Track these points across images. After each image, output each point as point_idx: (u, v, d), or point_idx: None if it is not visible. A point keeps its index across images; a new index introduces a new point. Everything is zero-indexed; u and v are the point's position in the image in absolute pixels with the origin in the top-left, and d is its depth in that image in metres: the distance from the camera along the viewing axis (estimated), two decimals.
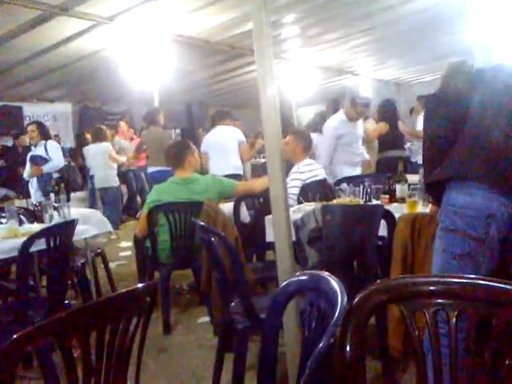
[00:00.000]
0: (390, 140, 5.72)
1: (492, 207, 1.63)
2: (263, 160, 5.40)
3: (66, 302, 2.98)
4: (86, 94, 9.69)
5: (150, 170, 6.60)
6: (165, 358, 3.08)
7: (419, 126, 6.16)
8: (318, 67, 8.90)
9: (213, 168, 5.39)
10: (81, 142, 8.33)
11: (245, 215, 3.90)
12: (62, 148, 7.56)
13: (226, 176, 4.72)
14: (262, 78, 1.99)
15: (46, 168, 5.73)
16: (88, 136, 8.11)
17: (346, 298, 1.02)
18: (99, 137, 7.39)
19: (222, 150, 5.40)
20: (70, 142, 10.12)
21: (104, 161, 7.26)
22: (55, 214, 3.74)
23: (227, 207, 3.70)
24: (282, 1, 5.32)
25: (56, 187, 4.52)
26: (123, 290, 1.32)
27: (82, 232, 3.44)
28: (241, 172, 5.56)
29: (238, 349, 2.23)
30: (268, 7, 1.99)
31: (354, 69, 9.93)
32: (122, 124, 8.66)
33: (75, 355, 1.19)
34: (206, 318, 3.54)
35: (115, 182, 7.50)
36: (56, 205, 3.86)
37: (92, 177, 7.55)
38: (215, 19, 5.70)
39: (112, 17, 5.27)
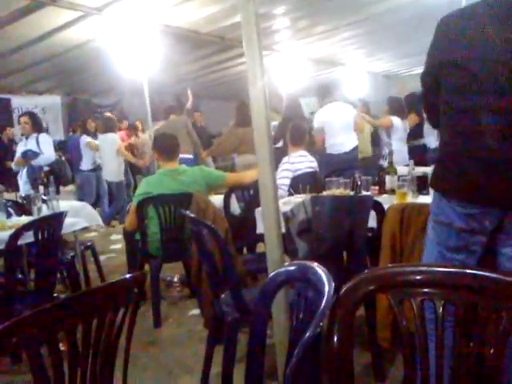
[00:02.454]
0: (419, 129, 6.13)
1: (485, 207, 1.63)
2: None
3: (55, 295, 2.97)
4: (76, 86, 9.58)
5: None
6: (155, 350, 3.08)
7: None
8: (308, 59, 8.88)
9: (334, 145, 5.47)
10: (77, 132, 8.05)
11: (235, 207, 3.89)
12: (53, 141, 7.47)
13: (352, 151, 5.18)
14: (251, 69, 1.98)
15: (35, 161, 5.67)
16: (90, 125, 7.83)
17: (332, 288, 1.02)
18: (107, 127, 7.14)
19: (342, 126, 5.48)
20: (59, 135, 10.02)
21: (111, 153, 7.03)
22: (44, 206, 3.72)
23: (217, 199, 3.69)
24: None
25: (45, 179, 4.48)
26: (110, 281, 1.31)
27: (71, 225, 3.42)
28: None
29: (227, 340, 2.23)
30: None
31: (345, 61, 9.92)
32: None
33: (62, 348, 1.18)
34: (197, 311, 3.54)
35: (121, 176, 7.26)
36: (45, 197, 3.83)
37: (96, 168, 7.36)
38: (204, 10, 5.66)
39: (101, 7, 5.21)
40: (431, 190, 2.97)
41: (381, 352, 2.42)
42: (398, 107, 5.96)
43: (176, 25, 6.07)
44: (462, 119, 1.65)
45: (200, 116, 9.37)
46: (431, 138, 6.92)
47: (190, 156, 6.33)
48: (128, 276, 1.34)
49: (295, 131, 4.23)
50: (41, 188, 4.21)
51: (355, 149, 5.59)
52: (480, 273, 0.96)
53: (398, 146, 5.70)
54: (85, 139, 7.36)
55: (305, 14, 6.42)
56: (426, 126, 7.17)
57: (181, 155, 6.07)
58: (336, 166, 4.96)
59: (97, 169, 7.35)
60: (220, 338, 2.49)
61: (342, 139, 5.47)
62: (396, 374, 2.45)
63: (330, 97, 5.66)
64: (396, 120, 5.79)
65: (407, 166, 4.77)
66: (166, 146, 3.74)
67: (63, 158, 7.43)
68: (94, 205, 6.99)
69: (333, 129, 5.50)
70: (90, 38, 6.19)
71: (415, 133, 6.15)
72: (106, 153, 7.10)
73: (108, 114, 7.84)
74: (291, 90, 7.31)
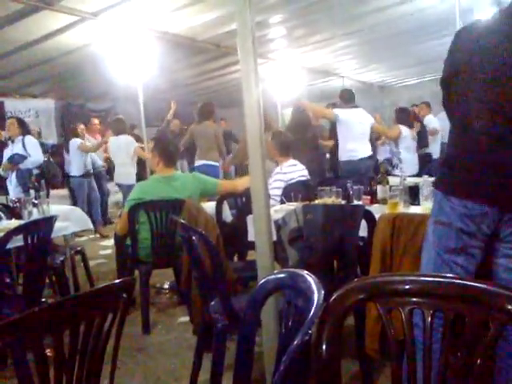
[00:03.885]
0: (423, 138, 6.49)
1: (483, 209, 1.66)
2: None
3: (43, 299, 2.94)
4: (70, 90, 9.55)
5: (199, 163, 6.33)
6: (143, 357, 3.05)
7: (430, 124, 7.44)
8: (303, 68, 8.92)
9: (349, 150, 5.55)
10: (68, 137, 7.91)
11: (227, 214, 3.89)
12: (45, 144, 7.38)
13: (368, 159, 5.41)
14: (246, 76, 1.99)
15: (23, 164, 5.63)
16: (80, 129, 7.64)
17: (322, 296, 1.02)
18: (119, 129, 6.86)
19: (362, 132, 5.61)
20: (52, 139, 9.96)
21: (125, 155, 6.76)
22: (34, 210, 3.69)
23: (209, 206, 3.68)
24: (269, 1, 5.32)
25: (36, 183, 4.46)
26: (98, 286, 1.30)
27: (61, 229, 3.40)
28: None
29: (216, 348, 2.22)
30: (254, 7, 1.98)
31: (339, 71, 9.97)
32: (96, 121, 8.39)
33: (49, 354, 1.17)
34: (186, 318, 3.52)
35: (133, 179, 6.90)
36: (35, 201, 3.80)
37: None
38: (201, 17, 5.68)
39: (97, 12, 5.21)
40: (422, 200, 3.00)
41: (369, 361, 2.42)
42: (406, 117, 6.08)
43: (172, 31, 6.08)
44: (465, 123, 1.73)
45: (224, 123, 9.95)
46: (434, 146, 7.16)
47: (217, 163, 6.41)
48: (116, 281, 1.33)
49: (280, 143, 4.23)
50: (31, 192, 4.19)
51: (371, 157, 5.71)
52: (468, 283, 0.96)
53: (406, 155, 5.83)
54: (76, 142, 7.17)
55: (301, 24, 6.46)
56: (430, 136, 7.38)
57: (208, 162, 6.22)
58: (356, 171, 5.13)
59: (88, 174, 7.22)
60: (209, 346, 2.48)
61: (358, 146, 5.55)
62: (384, 383, 2.45)
63: (352, 102, 5.78)
64: (404, 129, 5.91)
65: (418, 175, 4.90)
66: (169, 150, 3.71)
67: (51, 160, 7.32)
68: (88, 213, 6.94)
69: (350, 133, 5.56)
70: (85, 43, 6.19)
71: (422, 141, 6.43)
72: (120, 155, 6.82)
73: (120, 117, 7.67)
74: (295, 98, 7.34)
